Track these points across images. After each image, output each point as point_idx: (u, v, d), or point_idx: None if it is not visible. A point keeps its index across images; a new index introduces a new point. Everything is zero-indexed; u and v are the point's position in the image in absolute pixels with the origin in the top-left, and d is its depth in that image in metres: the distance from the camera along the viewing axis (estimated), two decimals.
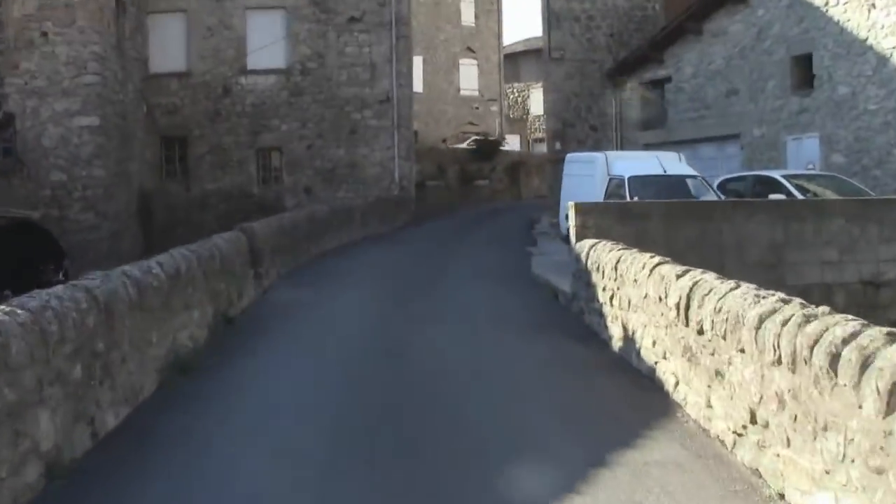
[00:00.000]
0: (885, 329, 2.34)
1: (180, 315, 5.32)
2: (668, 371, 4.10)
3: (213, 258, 6.31)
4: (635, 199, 8.35)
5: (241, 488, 3.12)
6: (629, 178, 8.82)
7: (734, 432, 3.22)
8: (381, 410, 4.07)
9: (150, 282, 4.71)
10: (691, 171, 9.58)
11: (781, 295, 3.11)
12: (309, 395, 4.42)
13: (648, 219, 6.91)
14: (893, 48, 10.50)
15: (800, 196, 8.81)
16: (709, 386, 3.51)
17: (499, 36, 29.89)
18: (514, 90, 32.01)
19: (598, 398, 4.17)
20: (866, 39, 10.86)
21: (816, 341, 2.52)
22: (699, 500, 2.81)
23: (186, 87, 16.11)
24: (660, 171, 9.00)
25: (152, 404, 4.29)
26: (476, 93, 28.73)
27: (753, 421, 3.02)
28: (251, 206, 15.10)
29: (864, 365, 2.25)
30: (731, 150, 13.58)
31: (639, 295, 4.57)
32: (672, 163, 9.59)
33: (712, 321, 3.41)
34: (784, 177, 9.38)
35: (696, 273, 3.89)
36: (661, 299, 4.14)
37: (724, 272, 4.04)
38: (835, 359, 2.39)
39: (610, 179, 9.33)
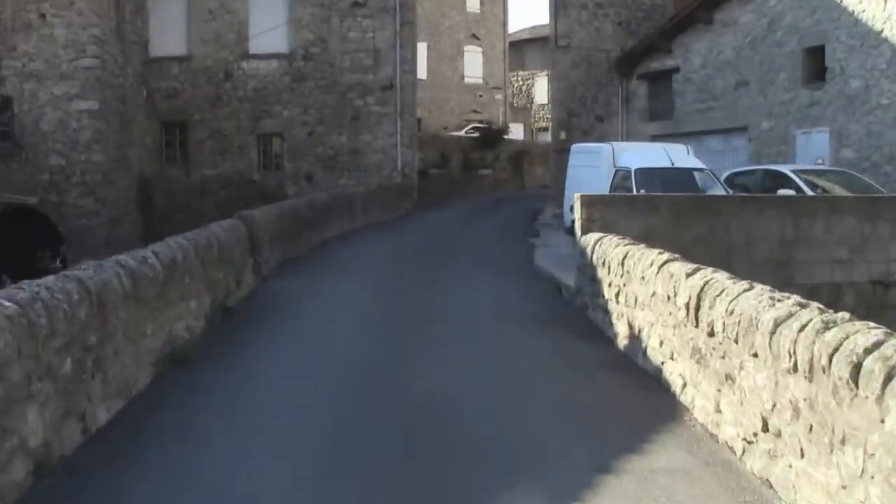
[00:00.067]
0: None
1: (176, 305, 5.22)
2: (676, 372, 3.99)
3: (210, 247, 6.20)
4: (642, 191, 8.20)
5: (238, 488, 3.04)
6: (636, 170, 8.67)
7: (744, 439, 3.12)
8: (381, 409, 3.97)
9: (145, 272, 4.61)
10: (699, 164, 9.41)
11: (798, 298, 2.98)
12: (307, 391, 4.33)
13: (656, 213, 6.78)
14: None
15: (809, 191, 8.65)
16: (718, 390, 3.40)
17: (504, 23, 29.50)
18: (519, 78, 31.67)
19: (602, 399, 4.06)
20: (881, 31, 10.61)
21: (836, 349, 2.40)
22: None
23: (187, 72, 15.90)
24: (667, 164, 8.84)
25: (146, 398, 4.20)
26: (480, 80, 28.41)
27: (765, 429, 2.92)
28: (252, 193, 14.97)
29: (889, 377, 2.13)
30: (739, 143, 13.37)
31: (646, 292, 4.45)
32: (680, 155, 9.42)
33: (724, 323, 3.29)
34: (794, 171, 9.21)
35: (707, 272, 3.76)
36: (669, 298, 4.02)
37: (731, 269, 3.93)
38: (856, 369, 2.27)
39: (616, 171, 9.18)
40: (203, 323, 5.77)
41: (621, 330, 5.05)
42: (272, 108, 15.96)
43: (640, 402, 3.95)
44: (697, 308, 3.60)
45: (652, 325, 4.38)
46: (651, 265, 4.41)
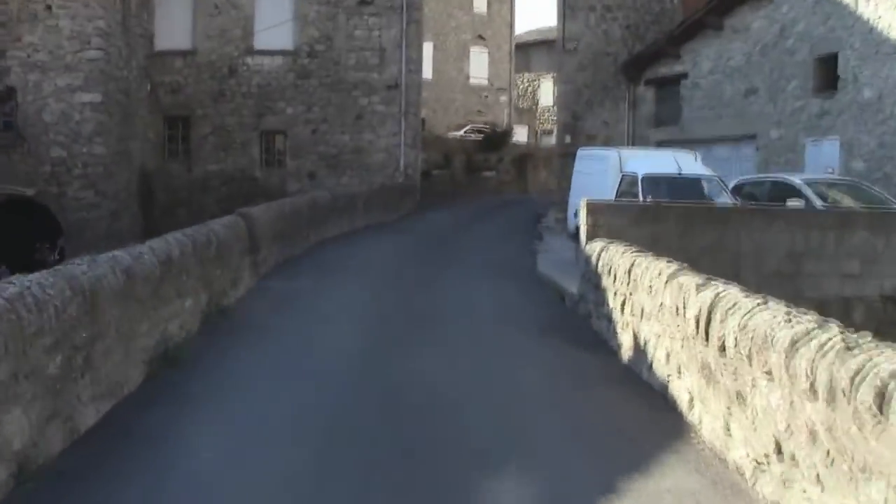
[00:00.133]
0: None
1: (172, 304, 5.11)
2: (683, 388, 3.87)
3: (209, 244, 6.09)
4: (648, 198, 8.08)
5: (228, 495, 2.92)
6: (642, 177, 8.54)
7: (755, 461, 2.99)
8: (377, 418, 3.85)
9: (140, 269, 4.49)
10: (708, 172, 9.27)
11: (815, 315, 2.86)
12: (302, 397, 4.21)
13: (663, 221, 6.65)
14: None
15: (820, 202, 8.51)
16: (728, 408, 3.27)
17: (511, 25, 29.38)
18: (525, 80, 31.55)
19: (606, 414, 3.94)
20: None
21: (859, 373, 2.27)
22: None
23: (191, 66, 15.81)
24: (675, 171, 8.70)
25: (137, 399, 4.09)
26: (485, 81, 28.29)
27: (778, 452, 2.79)
28: (253, 190, 14.87)
29: None
30: (747, 152, 13.23)
31: (653, 304, 4.33)
32: (688, 162, 9.29)
33: (736, 339, 3.16)
34: (803, 182, 9.07)
35: (719, 285, 3.64)
36: (678, 310, 3.89)
37: (739, 280, 3.80)
38: (881, 395, 2.15)
39: (623, 177, 9.05)
40: (199, 322, 5.66)
41: (626, 341, 4.92)
42: (276, 105, 15.86)
43: (646, 418, 3.83)
44: (708, 322, 3.48)
45: (659, 337, 4.25)
46: (659, 275, 4.29)
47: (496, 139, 23.88)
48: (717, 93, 13.82)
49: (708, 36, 13.97)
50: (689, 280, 3.90)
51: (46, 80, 13.00)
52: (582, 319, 6.16)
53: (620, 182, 9.01)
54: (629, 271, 4.87)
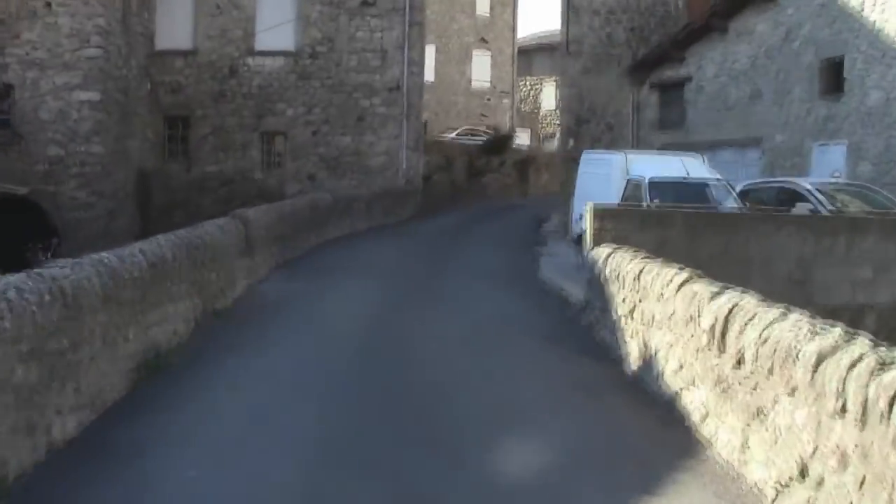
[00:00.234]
0: None
1: (162, 308, 4.92)
2: (695, 401, 3.67)
3: (202, 246, 5.90)
4: (654, 202, 7.90)
5: None
6: (649, 181, 8.36)
7: (777, 483, 2.79)
8: (370, 438, 3.63)
9: (127, 271, 4.31)
10: (715, 175, 9.09)
11: (842, 326, 2.67)
12: (295, 408, 4.01)
13: (670, 226, 6.47)
14: None
15: (827, 207, 8.33)
16: (747, 425, 3.08)
17: (513, 28, 29.27)
18: (527, 83, 31.43)
19: (614, 429, 3.74)
20: None
21: None
22: None
23: (192, 66, 15.66)
24: (682, 174, 8.52)
25: (121, 409, 3.90)
26: (488, 85, 28.16)
27: (803, 475, 2.60)
28: (252, 192, 14.69)
29: None
30: (752, 156, 13.05)
31: (664, 312, 4.14)
32: (695, 166, 9.11)
33: (755, 352, 2.97)
34: (811, 186, 8.89)
35: (735, 294, 3.45)
36: (691, 319, 3.70)
37: (749, 287, 3.61)
38: None
39: (628, 181, 8.87)
40: (190, 327, 5.47)
41: (633, 350, 4.73)
42: (276, 106, 15.71)
43: (656, 433, 3.63)
44: (724, 333, 3.28)
45: (671, 346, 4.06)
46: (670, 282, 4.09)
47: (498, 143, 23.71)
48: (721, 96, 13.65)
49: (713, 39, 13.81)
50: (703, 288, 3.71)
51: (44, 78, 12.85)
52: (586, 327, 5.97)
53: (626, 186, 8.82)
54: (638, 277, 4.67)
